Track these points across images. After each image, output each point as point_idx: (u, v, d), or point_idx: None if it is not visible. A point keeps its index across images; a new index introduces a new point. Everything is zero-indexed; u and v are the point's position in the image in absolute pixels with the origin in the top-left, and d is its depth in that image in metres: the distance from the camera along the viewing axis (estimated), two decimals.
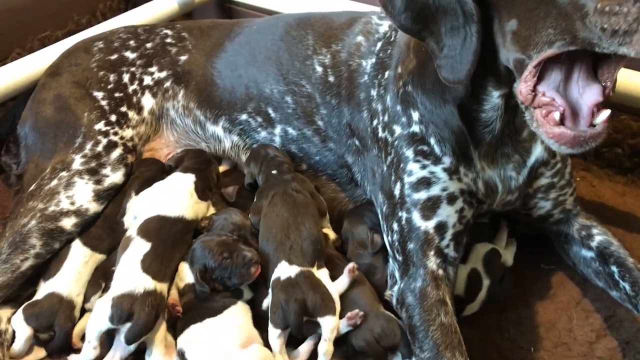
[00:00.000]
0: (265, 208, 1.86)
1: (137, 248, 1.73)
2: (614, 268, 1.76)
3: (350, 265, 1.73)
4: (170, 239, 1.78)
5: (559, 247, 1.95)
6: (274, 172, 1.97)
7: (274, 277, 1.70)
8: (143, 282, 1.65)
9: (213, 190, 2.04)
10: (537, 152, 1.70)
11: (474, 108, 1.59)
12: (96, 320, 1.62)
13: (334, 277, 1.74)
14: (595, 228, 1.86)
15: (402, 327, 1.64)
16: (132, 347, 1.61)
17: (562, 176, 1.80)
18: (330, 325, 1.62)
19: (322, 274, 1.73)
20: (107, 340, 1.67)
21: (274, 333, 1.63)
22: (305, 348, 1.65)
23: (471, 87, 1.54)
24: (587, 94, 1.30)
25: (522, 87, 1.34)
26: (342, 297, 1.71)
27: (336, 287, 1.71)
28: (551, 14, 1.23)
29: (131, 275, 1.67)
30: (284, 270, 1.70)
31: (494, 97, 1.55)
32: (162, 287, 1.68)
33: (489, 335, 1.75)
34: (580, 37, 1.18)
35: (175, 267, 1.77)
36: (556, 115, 1.30)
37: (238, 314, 1.66)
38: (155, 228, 1.78)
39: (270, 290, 1.70)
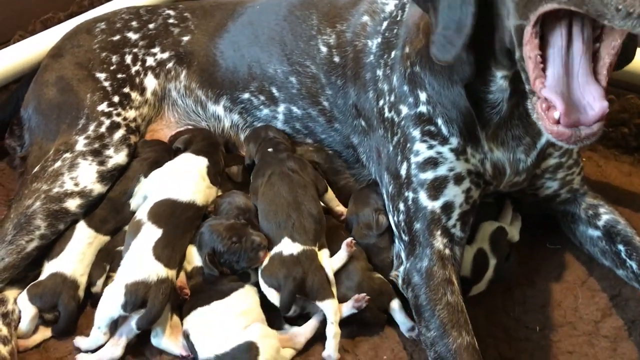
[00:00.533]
0: (263, 187, 1.86)
1: (149, 234, 1.72)
2: (620, 247, 1.76)
3: (348, 239, 1.76)
4: (181, 225, 1.77)
5: (565, 227, 1.94)
6: (269, 150, 1.96)
7: (274, 250, 1.72)
8: (156, 270, 1.65)
9: (222, 174, 2.02)
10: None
11: (481, 89, 1.58)
12: (107, 307, 1.63)
13: (333, 249, 1.77)
14: (602, 207, 1.85)
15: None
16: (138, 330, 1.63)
17: (569, 156, 1.79)
18: (332, 309, 1.63)
19: (324, 254, 1.74)
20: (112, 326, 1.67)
21: (265, 286, 1.67)
22: (310, 326, 1.66)
23: (476, 68, 1.54)
24: (590, 94, 1.30)
25: (527, 50, 1.33)
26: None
27: (333, 263, 1.73)
28: None
29: (143, 263, 1.66)
30: (287, 247, 1.71)
31: (498, 78, 1.55)
32: (172, 273, 1.68)
33: (494, 315, 1.76)
34: (592, 7, 1.17)
35: (184, 253, 1.76)
36: (555, 115, 1.30)
37: (245, 297, 1.67)
38: (166, 214, 1.77)
39: (266, 261, 1.71)
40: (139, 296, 1.60)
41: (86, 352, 1.65)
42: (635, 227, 1.81)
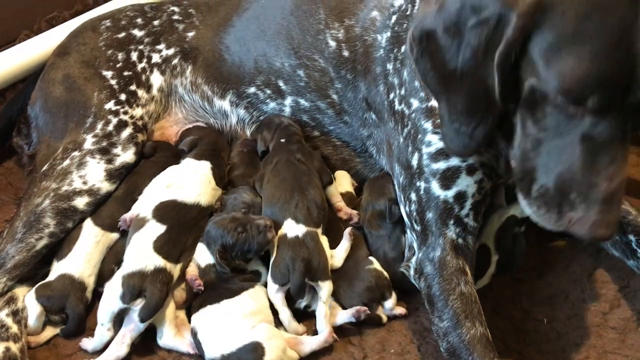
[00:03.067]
0: (268, 174, 1.88)
1: (151, 229, 1.73)
2: (631, 237, 1.76)
3: (348, 229, 1.79)
4: (185, 224, 1.78)
5: None
6: (282, 140, 1.98)
7: (279, 233, 1.73)
8: (154, 261, 1.66)
9: (225, 177, 2.02)
10: None
11: None
12: (108, 301, 1.64)
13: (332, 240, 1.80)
14: None
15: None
16: (142, 326, 1.62)
17: None
18: (328, 290, 1.67)
19: (324, 240, 1.76)
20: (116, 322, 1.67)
21: (272, 288, 1.68)
22: (318, 340, 1.64)
23: None
24: None
25: None
26: None
27: (339, 254, 1.75)
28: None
29: (142, 255, 1.68)
30: (291, 228, 1.73)
31: None
32: (171, 267, 1.69)
33: (502, 306, 1.76)
34: None
35: (185, 250, 1.76)
36: None
37: (256, 297, 1.67)
38: (171, 213, 1.78)
39: (275, 253, 1.72)
40: (136, 286, 1.61)
41: (93, 352, 1.64)
42: None
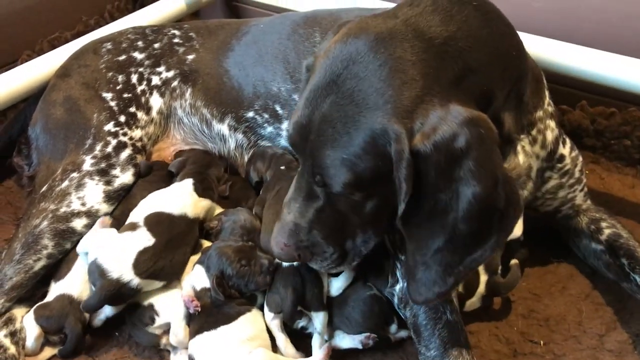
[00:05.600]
0: (270, 200, 1.88)
1: (141, 238, 1.74)
2: (624, 260, 1.76)
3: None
4: (174, 239, 1.78)
5: (569, 241, 1.94)
6: (282, 167, 1.99)
7: (275, 261, 1.73)
8: (121, 272, 1.68)
9: (215, 189, 2.02)
10: (536, 164, 1.71)
11: None
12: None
13: None
14: (605, 222, 1.85)
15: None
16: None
17: (571, 175, 1.80)
18: (323, 321, 1.67)
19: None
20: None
21: (268, 315, 1.68)
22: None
23: None
24: None
25: None
26: None
27: (338, 283, 1.73)
28: None
29: (118, 260, 1.70)
30: None
31: None
32: (142, 282, 1.70)
33: (498, 329, 1.76)
34: None
35: (175, 266, 1.77)
36: None
37: (253, 322, 1.67)
38: (162, 224, 1.78)
39: None
40: (96, 277, 1.69)
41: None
42: (638, 239, 1.81)
